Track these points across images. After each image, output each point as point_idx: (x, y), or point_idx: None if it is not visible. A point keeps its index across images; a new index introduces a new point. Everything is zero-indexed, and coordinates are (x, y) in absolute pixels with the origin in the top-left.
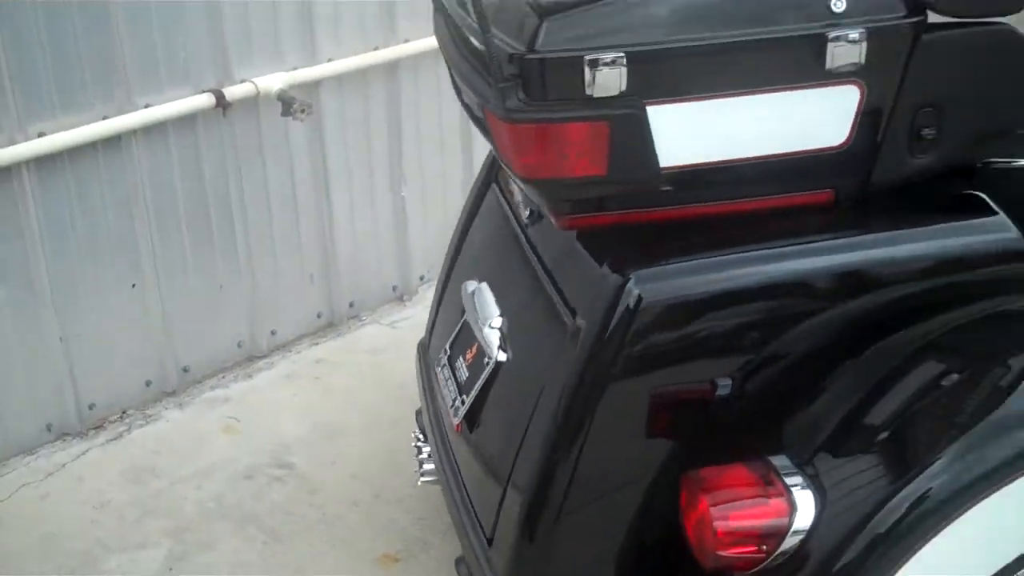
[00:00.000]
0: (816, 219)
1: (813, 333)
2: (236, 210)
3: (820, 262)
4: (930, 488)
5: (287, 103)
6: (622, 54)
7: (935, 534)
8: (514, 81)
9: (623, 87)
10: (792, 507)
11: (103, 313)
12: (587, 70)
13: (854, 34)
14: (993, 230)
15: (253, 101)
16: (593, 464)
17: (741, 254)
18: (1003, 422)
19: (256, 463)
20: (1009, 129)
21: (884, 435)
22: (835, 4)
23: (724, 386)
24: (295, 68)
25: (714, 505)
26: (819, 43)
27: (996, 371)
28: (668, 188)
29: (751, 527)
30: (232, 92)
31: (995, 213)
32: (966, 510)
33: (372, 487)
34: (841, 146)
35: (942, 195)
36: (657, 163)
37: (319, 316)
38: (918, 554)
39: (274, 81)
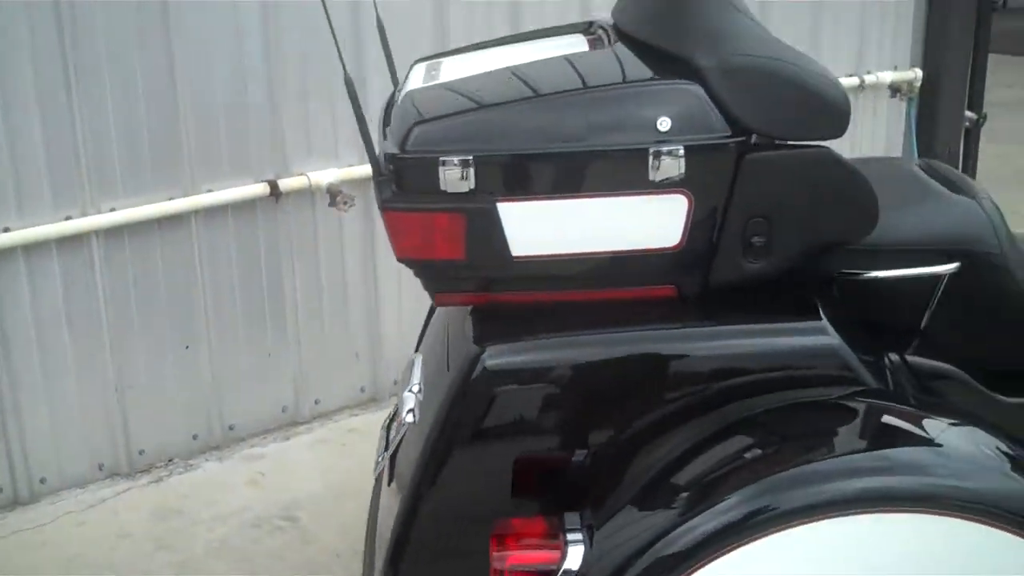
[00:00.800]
0: (655, 311)
1: (633, 409)
2: (288, 288)
3: (646, 348)
4: (681, 539)
5: (332, 195)
6: (470, 157)
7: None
8: (389, 176)
9: (472, 185)
10: (563, 554)
11: (157, 369)
12: (441, 170)
13: (675, 151)
14: (811, 333)
15: (307, 192)
16: (445, 510)
17: (581, 336)
18: (761, 487)
19: (266, 513)
20: (835, 244)
21: (659, 496)
22: (660, 123)
23: (552, 449)
24: (349, 165)
25: (499, 548)
26: (644, 157)
27: (769, 450)
28: (525, 275)
29: (526, 568)
30: (287, 183)
31: (819, 319)
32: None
33: (358, 542)
34: (676, 247)
35: (781, 298)
36: (509, 252)
37: (362, 390)
38: None
39: (326, 175)
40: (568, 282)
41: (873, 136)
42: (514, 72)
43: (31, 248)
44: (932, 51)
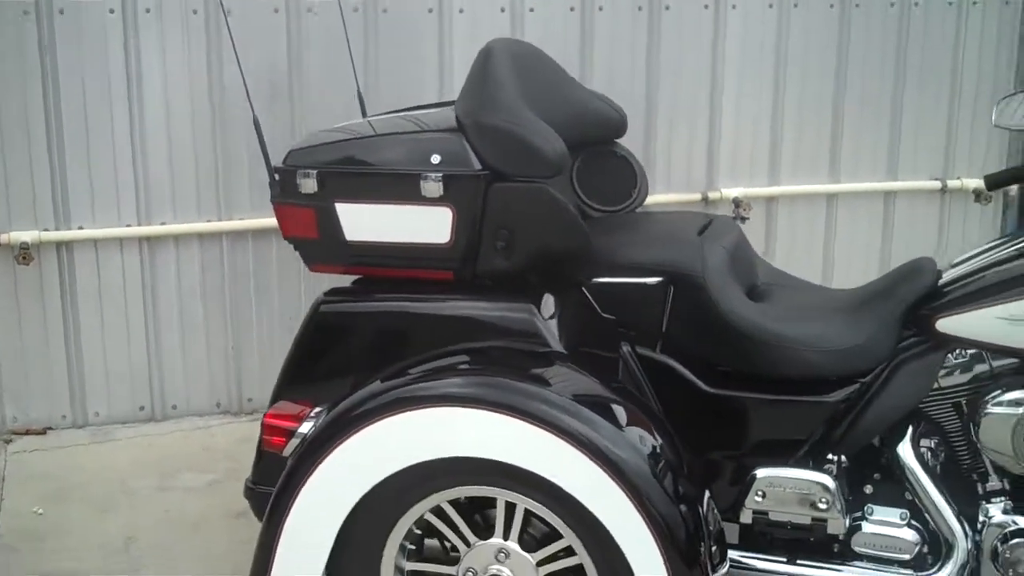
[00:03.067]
0: (433, 288)
1: (396, 347)
2: None
3: (433, 308)
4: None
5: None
6: (314, 171)
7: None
8: (275, 181)
9: (315, 189)
10: (299, 423)
11: (266, 337)
12: (297, 178)
13: (436, 177)
14: (521, 311)
15: None
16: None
17: (389, 296)
18: (407, 381)
19: None
20: (556, 255)
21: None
22: (433, 157)
23: (343, 360)
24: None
25: (269, 415)
26: (417, 179)
27: (444, 365)
28: (356, 254)
29: (276, 424)
30: None
31: (529, 303)
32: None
33: None
34: (447, 244)
35: (520, 289)
36: (344, 236)
37: None
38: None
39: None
40: (381, 261)
41: (963, 239)
42: (370, 122)
43: (180, 238)
44: None
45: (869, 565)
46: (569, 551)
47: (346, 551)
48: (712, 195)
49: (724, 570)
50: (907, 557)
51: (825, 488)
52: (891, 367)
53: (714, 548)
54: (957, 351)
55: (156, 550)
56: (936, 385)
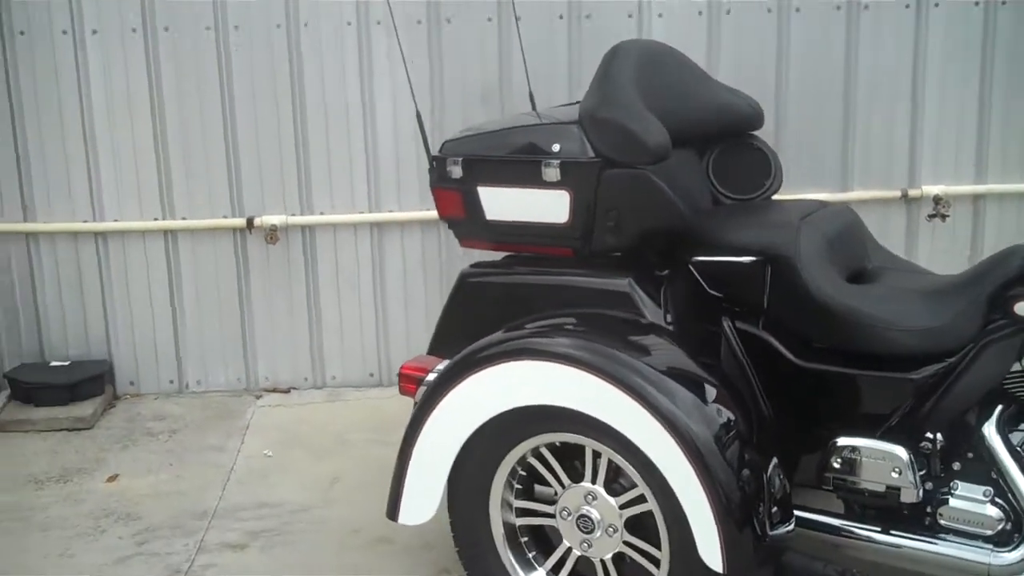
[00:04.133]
0: (557, 263)
1: (524, 309)
2: None
3: (539, 280)
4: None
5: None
6: (459, 159)
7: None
8: (433, 168)
9: (460, 175)
10: (428, 373)
11: (412, 317)
12: (447, 166)
13: (554, 163)
14: (620, 285)
15: None
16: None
17: (543, 273)
18: (523, 335)
19: None
20: (656, 233)
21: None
22: (554, 146)
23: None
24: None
25: (404, 366)
26: (539, 166)
27: (551, 326)
28: (495, 232)
29: (409, 375)
30: None
31: (626, 278)
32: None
33: None
34: (566, 223)
35: (623, 266)
36: (484, 216)
37: None
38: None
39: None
40: (514, 238)
41: None
42: (515, 116)
43: (404, 225)
44: None
45: (951, 538)
46: (643, 498)
47: (461, 480)
48: (913, 192)
49: (787, 528)
50: (989, 532)
51: (898, 458)
52: (977, 348)
53: (775, 509)
54: None
55: (354, 489)
56: (1019, 367)
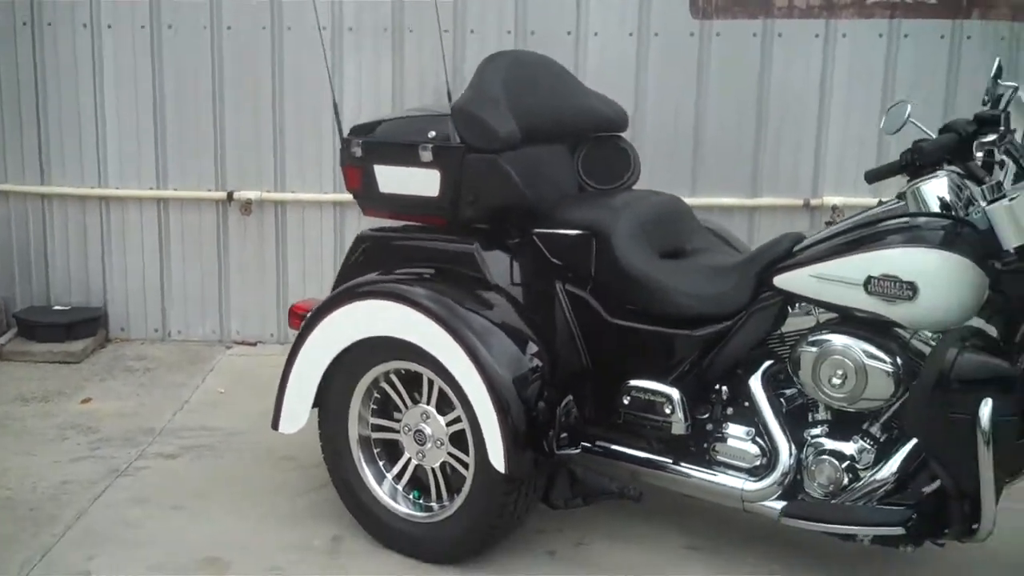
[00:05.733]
0: (431, 231)
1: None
2: None
3: (419, 242)
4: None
5: None
6: (360, 141)
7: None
8: (342, 149)
9: (360, 155)
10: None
11: None
12: (351, 147)
13: (427, 147)
14: (468, 245)
15: None
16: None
17: (415, 236)
18: (377, 280)
19: None
20: (504, 211)
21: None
22: (430, 133)
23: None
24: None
25: (293, 306)
26: (417, 148)
27: (401, 275)
28: (387, 202)
29: (295, 312)
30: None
31: (473, 242)
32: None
33: None
34: (438, 197)
35: (479, 232)
36: (378, 188)
37: None
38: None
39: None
40: (402, 208)
41: None
42: (415, 108)
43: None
44: None
45: (718, 468)
46: (460, 419)
47: (328, 397)
48: (814, 201)
49: (574, 450)
50: (747, 465)
51: (671, 397)
52: (748, 314)
53: (564, 435)
54: (798, 304)
55: None
56: (780, 331)
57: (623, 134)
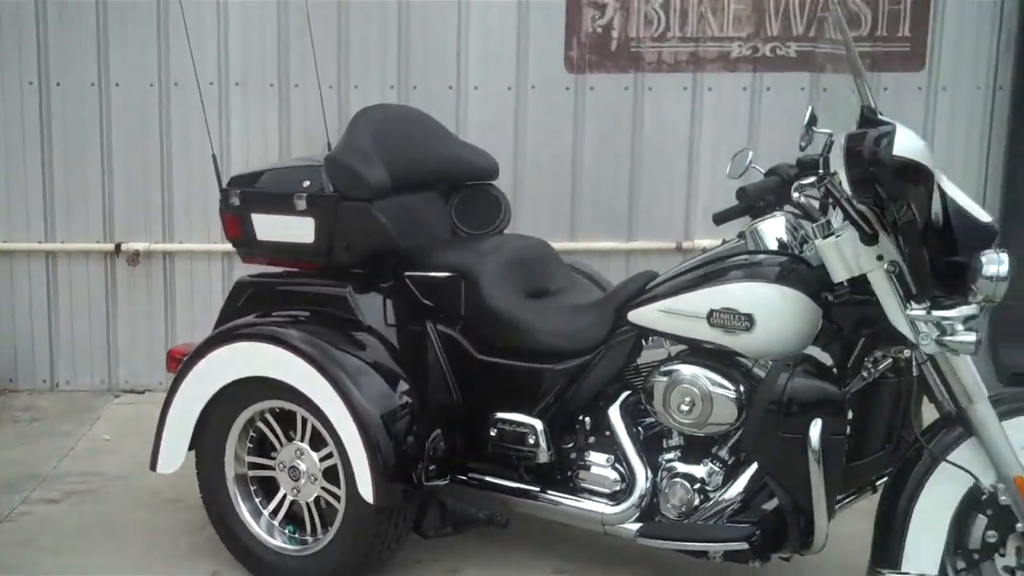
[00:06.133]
0: (308, 276)
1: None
2: None
3: (295, 286)
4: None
5: None
6: (238, 191)
7: None
8: (221, 198)
9: (238, 204)
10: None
11: None
12: (230, 197)
13: (302, 196)
14: (342, 289)
15: None
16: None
17: (291, 280)
18: (244, 325)
19: None
20: (378, 256)
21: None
22: (304, 183)
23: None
24: None
25: (171, 350)
26: (292, 198)
27: (272, 317)
28: (266, 250)
29: (173, 356)
30: None
31: (346, 286)
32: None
33: None
34: (312, 244)
35: (355, 278)
36: (256, 236)
37: None
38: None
39: None
40: (280, 254)
41: None
42: (290, 160)
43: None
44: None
45: (580, 495)
46: (332, 455)
47: (205, 436)
48: (686, 244)
49: (443, 481)
50: (608, 491)
51: (533, 428)
52: (606, 348)
53: (432, 467)
54: (651, 338)
55: None
56: (636, 363)
57: (494, 182)
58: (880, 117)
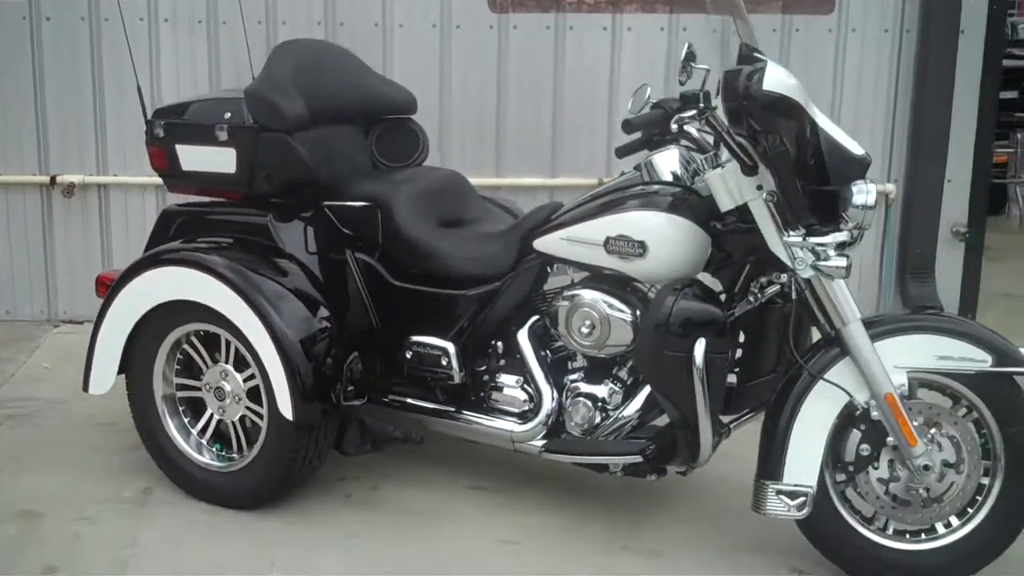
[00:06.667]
0: (233, 205)
1: (198, 232)
2: None
3: (219, 215)
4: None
5: None
6: (163, 123)
7: None
8: (147, 130)
9: (163, 135)
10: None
11: None
12: (155, 128)
13: (224, 127)
14: (262, 217)
15: None
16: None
17: (215, 209)
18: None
19: None
20: (295, 185)
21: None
22: (226, 115)
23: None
24: None
25: (100, 275)
26: (214, 129)
27: (205, 243)
28: (191, 179)
29: (101, 280)
30: None
31: (266, 215)
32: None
33: None
34: (235, 174)
35: (277, 207)
36: (181, 167)
37: None
38: None
39: None
40: (204, 184)
41: None
42: (215, 93)
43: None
44: (909, 166)
45: (492, 414)
46: (254, 376)
47: (133, 358)
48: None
49: (360, 401)
50: (517, 410)
51: (445, 350)
52: (514, 275)
53: (350, 388)
54: (556, 265)
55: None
56: (542, 289)
57: (413, 116)
58: (755, 55)
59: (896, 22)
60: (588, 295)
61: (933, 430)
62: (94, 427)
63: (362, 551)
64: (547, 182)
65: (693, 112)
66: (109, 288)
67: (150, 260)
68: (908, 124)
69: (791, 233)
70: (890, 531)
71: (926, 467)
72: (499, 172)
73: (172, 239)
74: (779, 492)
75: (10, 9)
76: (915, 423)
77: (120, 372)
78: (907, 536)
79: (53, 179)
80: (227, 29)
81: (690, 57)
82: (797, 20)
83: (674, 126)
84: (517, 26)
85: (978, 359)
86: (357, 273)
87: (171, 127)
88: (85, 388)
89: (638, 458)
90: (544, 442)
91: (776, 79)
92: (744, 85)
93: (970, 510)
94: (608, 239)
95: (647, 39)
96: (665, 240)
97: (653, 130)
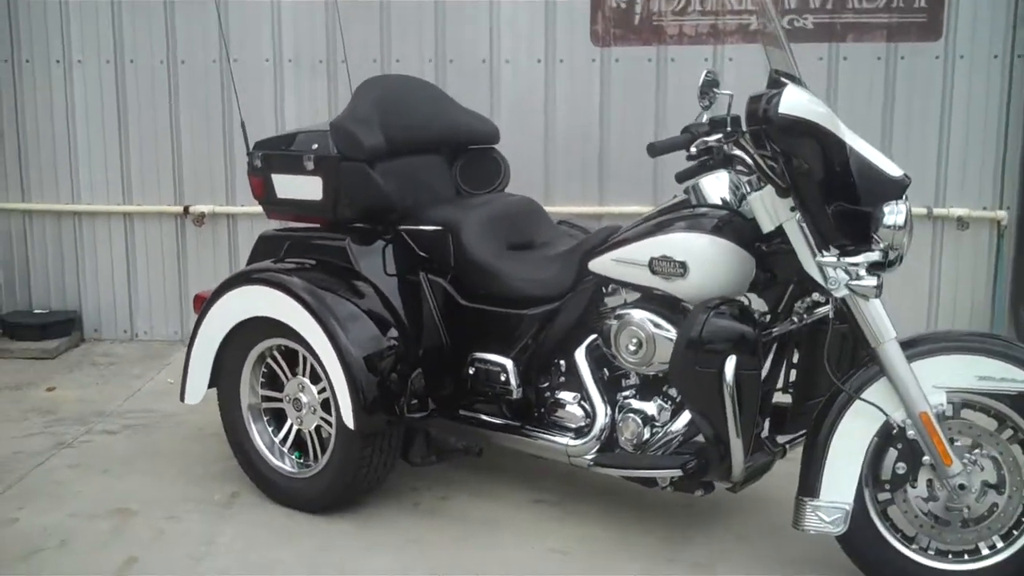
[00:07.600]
0: (320, 230)
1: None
2: None
3: (305, 238)
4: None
5: None
6: (261, 154)
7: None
8: (249, 161)
9: (260, 165)
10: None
11: None
12: (254, 159)
13: (311, 157)
14: (341, 242)
15: None
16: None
17: (302, 232)
18: (255, 270)
19: None
20: (377, 213)
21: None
22: (313, 145)
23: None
24: None
25: (197, 294)
26: (302, 160)
27: (287, 265)
28: (285, 207)
29: (200, 297)
30: None
31: (344, 238)
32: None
33: None
34: (321, 201)
35: (357, 232)
36: (276, 194)
37: None
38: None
39: None
40: (297, 211)
41: (957, 268)
42: (304, 128)
43: (255, 216)
44: (1021, 192)
45: (550, 429)
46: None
47: (223, 369)
48: None
49: (423, 413)
50: (573, 426)
51: (504, 367)
52: (573, 295)
53: (414, 401)
54: (611, 285)
55: None
56: (598, 309)
57: (496, 146)
58: (782, 80)
59: (1007, 47)
60: (636, 314)
61: (976, 450)
62: (200, 437)
63: (415, 553)
64: (648, 210)
65: (719, 136)
66: (203, 304)
67: (238, 279)
68: (1021, 150)
69: (824, 253)
70: (932, 551)
71: (962, 487)
72: (602, 201)
73: (266, 260)
74: (816, 509)
75: (149, 53)
76: (958, 443)
77: (212, 385)
78: (949, 556)
79: (186, 209)
80: (345, 68)
81: (711, 83)
82: (903, 48)
83: (693, 149)
84: (619, 59)
85: (1020, 379)
86: (430, 294)
87: (267, 158)
88: (182, 398)
89: (679, 472)
90: (595, 456)
91: (793, 103)
92: (763, 109)
93: (1015, 532)
94: (652, 259)
95: (748, 69)
96: (706, 260)
97: (707, 156)
